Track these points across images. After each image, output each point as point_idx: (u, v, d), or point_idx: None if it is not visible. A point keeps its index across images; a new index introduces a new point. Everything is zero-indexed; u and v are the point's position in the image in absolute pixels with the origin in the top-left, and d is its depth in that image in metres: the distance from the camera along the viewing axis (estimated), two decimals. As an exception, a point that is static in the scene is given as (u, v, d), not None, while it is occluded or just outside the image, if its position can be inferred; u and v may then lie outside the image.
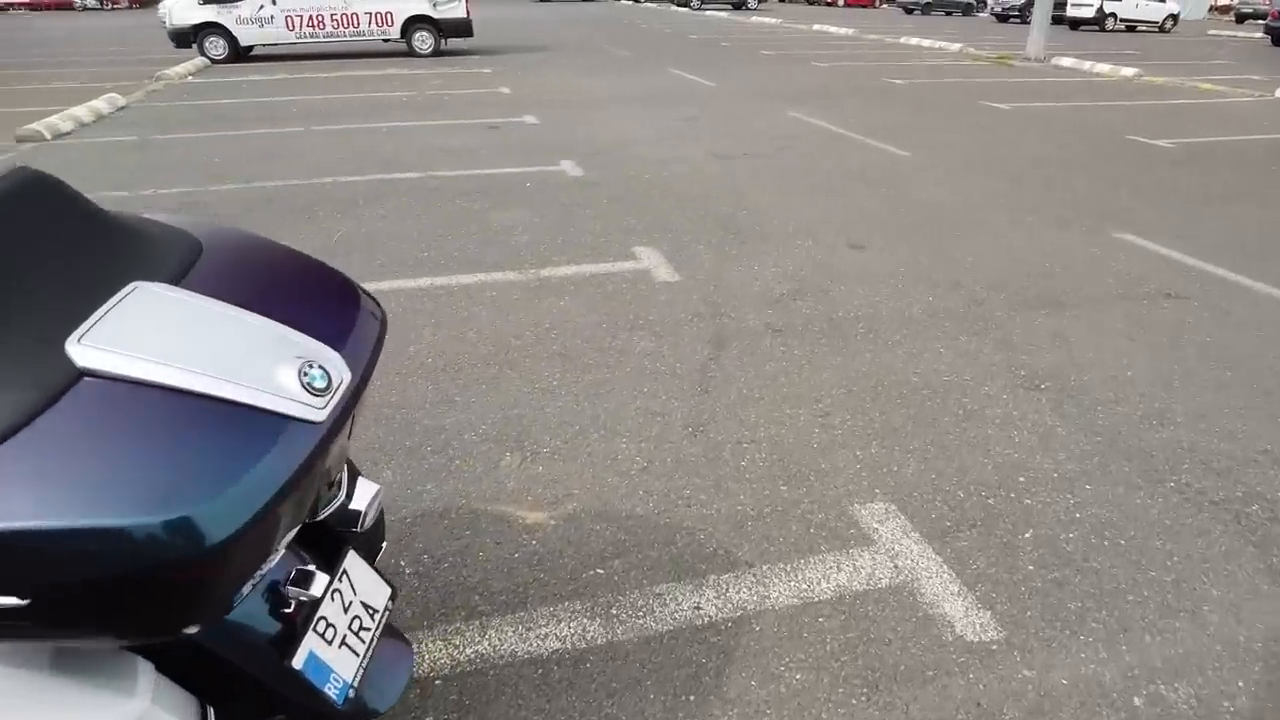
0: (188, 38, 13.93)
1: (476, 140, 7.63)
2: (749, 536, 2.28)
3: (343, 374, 1.08)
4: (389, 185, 6.01)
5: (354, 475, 1.59)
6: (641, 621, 1.98)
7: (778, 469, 2.59)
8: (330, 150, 7.20)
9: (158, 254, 1.14)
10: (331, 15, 14.19)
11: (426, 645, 1.91)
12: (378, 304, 1.28)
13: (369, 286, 3.45)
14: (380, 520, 1.70)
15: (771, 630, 1.96)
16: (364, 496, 1.57)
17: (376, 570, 1.51)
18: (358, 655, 1.38)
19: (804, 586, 2.10)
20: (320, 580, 1.32)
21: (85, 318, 0.99)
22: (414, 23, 14.55)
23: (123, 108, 9.55)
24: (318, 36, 14.37)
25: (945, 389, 3.10)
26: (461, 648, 1.91)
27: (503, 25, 22.80)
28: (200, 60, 13.77)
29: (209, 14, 13.76)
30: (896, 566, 2.17)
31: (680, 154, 7.09)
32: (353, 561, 1.45)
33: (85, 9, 38.43)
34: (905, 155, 7.14)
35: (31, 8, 38.16)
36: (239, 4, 13.77)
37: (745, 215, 5.27)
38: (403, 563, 2.18)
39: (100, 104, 9.14)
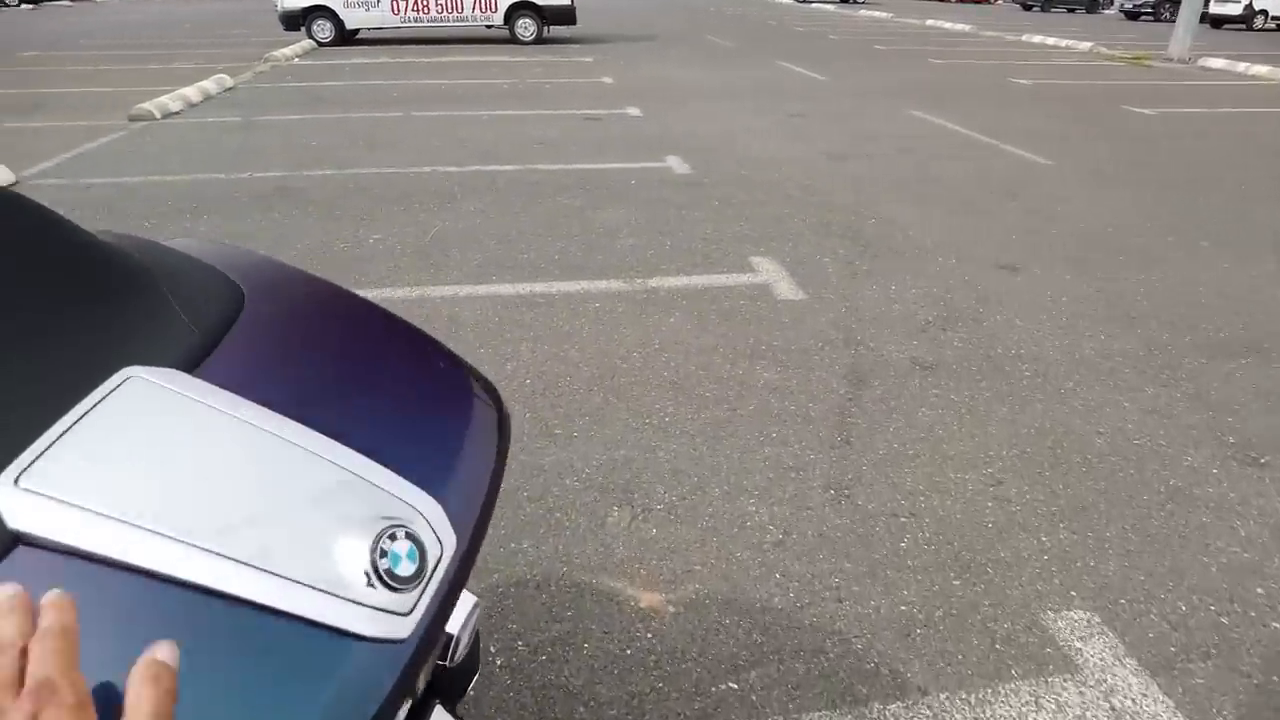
0: (297, 20, 14.11)
1: (577, 132, 7.28)
2: (919, 650, 1.81)
3: (446, 542, 0.68)
4: (487, 177, 5.71)
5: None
6: (789, 766, 1.55)
7: (946, 554, 2.11)
8: (429, 137, 6.97)
9: (171, 317, 0.75)
10: (438, 1, 14.12)
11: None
12: (495, 395, 0.88)
13: (466, 291, 2.98)
14: (476, 642, 1.31)
15: (961, 797, 1.50)
16: (457, 617, 1.19)
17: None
18: None
19: (997, 732, 1.62)
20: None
21: (37, 437, 0.60)
22: (517, 9, 14.35)
23: (230, 89, 9.62)
24: (421, 21, 14.33)
25: (1139, 457, 2.55)
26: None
27: (604, 13, 22.49)
28: (307, 43, 13.92)
29: (318, -2, 13.88)
30: (1114, 708, 1.68)
31: (793, 153, 6.57)
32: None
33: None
34: (1046, 164, 6.43)
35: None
36: (348, -12, 13.84)
37: (873, 225, 4.74)
38: (494, 649, 1.81)
39: (209, 85, 9.20)
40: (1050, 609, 1.93)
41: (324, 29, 14.14)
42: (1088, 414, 2.78)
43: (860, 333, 3.35)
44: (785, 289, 3.80)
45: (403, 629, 0.61)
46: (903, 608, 1.93)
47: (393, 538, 0.63)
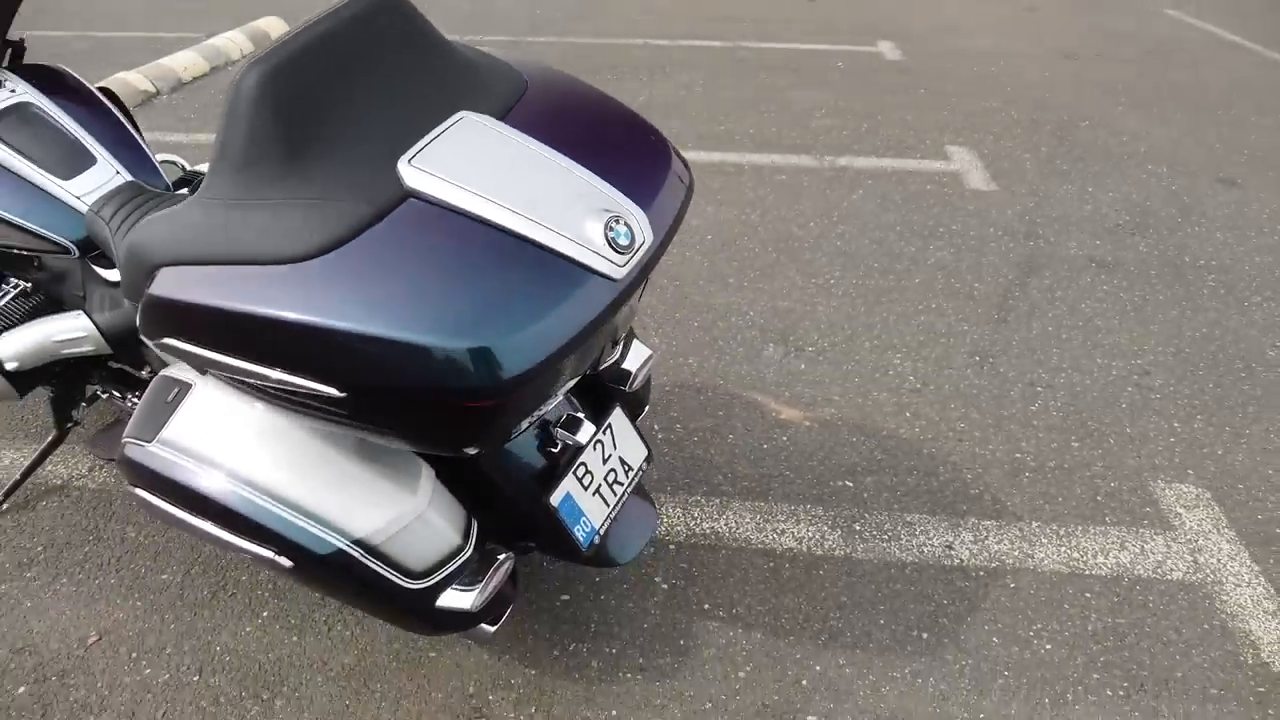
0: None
1: (791, 12, 7.22)
2: (1023, 488, 2.06)
3: (645, 235, 1.06)
4: (695, 52, 5.91)
5: (629, 338, 1.62)
6: (885, 545, 1.89)
7: (1073, 422, 2.28)
8: (643, 10, 7.21)
9: (486, 87, 1.16)
10: None
11: (666, 510, 1.97)
12: (687, 167, 1.23)
13: (691, 157, 3.39)
14: (647, 384, 1.73)
15: (1028, 591, 1.78)
16: (636, 359, 1.60)
17: (638, 431, 1.55)
18: (608, 505, 1.44)
19: (1076, 555, 1.87)
20: (587, 429, 1.37)
21: (416, 140, 1.04)
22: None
23: None
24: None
25: (1313, 372, 2.52)
26: (700, 520, 1.95)
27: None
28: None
29: None
30: (1197, 562, 1.86)
31: (1017, 47, 6.21)
32: (618, 418, 1.49)
33: None
34: (1321, 74, 5.67)
35: None
36: None
37: (1086, 127, 4.53)
38: (656, 427, 2.25)
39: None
40: (1162, 479, 2.09)
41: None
42: (1267, 328, 2.74)
43: (1044, 228, 3.38)
44: (977, 179, 3.83)
45: (619, 274, 1.00)
46: (1017, 455, 2.16)
47: (617, 221, 1.02)
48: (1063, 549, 1.88)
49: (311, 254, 0.97)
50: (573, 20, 6.88)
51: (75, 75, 1.91)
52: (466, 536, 1.32)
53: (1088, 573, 1.83)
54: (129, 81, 5.05)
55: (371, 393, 0.98)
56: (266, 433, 1.25)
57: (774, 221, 3.42)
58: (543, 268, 0.98)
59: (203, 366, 1.11)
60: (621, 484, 1.49)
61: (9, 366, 1.77)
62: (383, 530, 1.22)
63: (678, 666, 1.62)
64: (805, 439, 2.21)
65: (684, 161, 1.22)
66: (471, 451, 1.15)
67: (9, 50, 1.92)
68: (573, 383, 1.25)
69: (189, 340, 1.05)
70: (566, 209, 1.01)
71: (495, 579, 1.30)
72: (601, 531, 1.44)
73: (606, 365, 1.58)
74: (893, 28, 6.71)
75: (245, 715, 1.54)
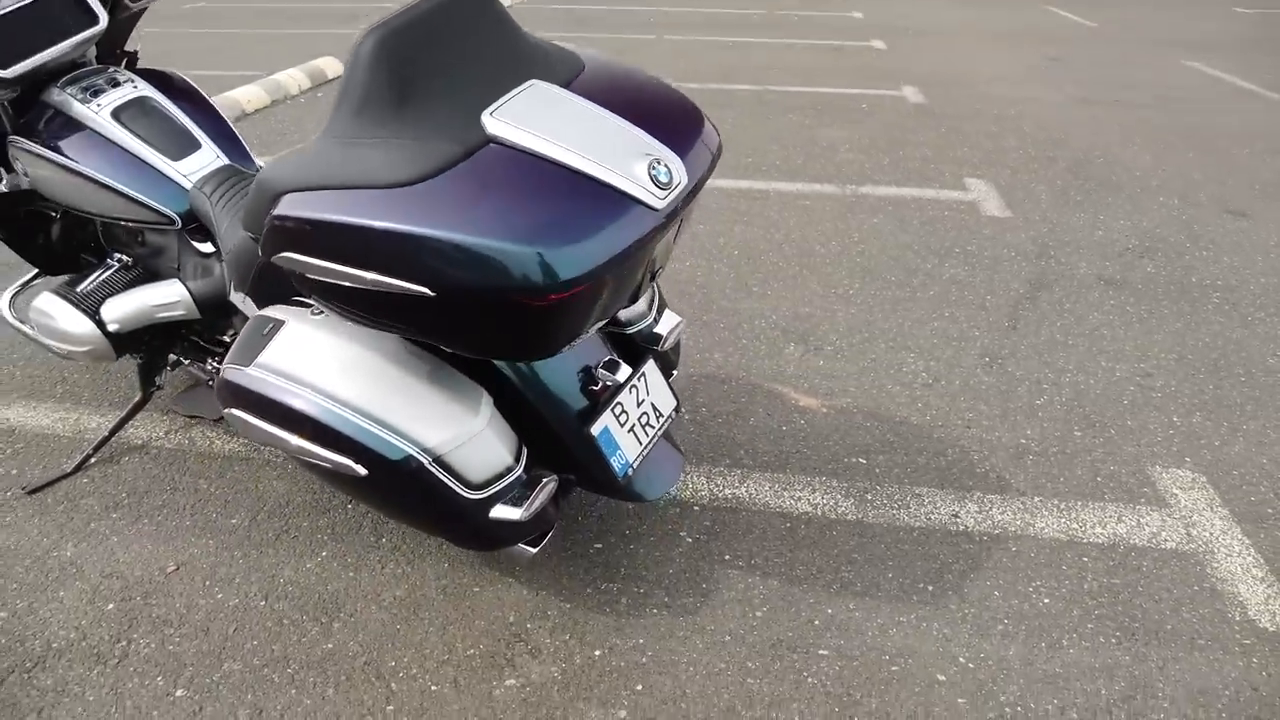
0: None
1: (818, 60, 7.55)
2: (1026, 469, 2.20)
3: (682, 176, 1.26)
4: (723, 95, 6.22)
5: (662, 306, 1.81)
6: (894, 512, 2.03)
7: (1075, 414, 2.42)
8: (675, 58, 7.58)
9: (552, 64, 1.38)
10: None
11: (691, 478, 2.14)
12: (717, 131, 1.44)
13: (719, 184, 3.73)
14: (677, 349, 1.92)
15: (1029, 554, 1.91)
16: (667, 324, 1.79)
17: (668, 383, 1.73)
18: (640, 443, 1.61)
19: (1075, 526, 2.00)
20: (624, 371, 1.56)
21: (497, 98, 1.26)
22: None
23: (509, 6, 10.76)
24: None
25: (1313, 379, 2.64)
26: (722, 487, 2.11)
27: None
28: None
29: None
30: (1190, 535, 1.98)
31: (1037, 94, 6.45)
32: (650, 369, 1.68)
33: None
34: (1335, 121, 5.82)
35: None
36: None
37: (1101, 163, 4.72)
38: (684, 410, 2.42)
39: (494, 3, 10.37)
40: (1159, 465, 2.22)
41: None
42: (1268, 339, 2.86)
43: (1056, 250, 3.54)
44: (993, 206, 4.02)
45: (660, 204, 1.21)
46: (1022, 441, 2.30)
47: (659, 163, 1.22)
48: (1062, 520, 2.01)
49: (413, 180, 1.18)
50: (609, 65, 7.25)
51: (182, 76, 2.18)
52: (518, 459, 1.51)
53: (1086, 540, 1.95)
54: (197, 112, 5.43)
55: (457, 291, 1.17)
56: (350, 359, 1.45)
57: (797, 240, 3.62)
58: (597, 197, 1.19)
59: (312, 277, 1.31)
60: (653, 427, 1.67)
61: (111, 328, 2.00)
62: (449, 442, 1.40)
63: (699, 605, 1.77)
64: (822, 423, 2.37)
65: (714, 126, 1.43)
66: (528, 359, 1.34)
67: (127, 58, 2.22)
68: (616, 309, 1.44)
69: (306, 252, 1.26)
70: (617, 152, 1.22)
71: (541, 496, 1.48)
72: (635, 465, 1.61)
73: (640, 328, 1.78)
74: (918, 75, 7.00)
75: (305, 635, 1.71)
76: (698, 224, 3.76)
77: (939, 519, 2.01)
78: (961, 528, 1.99)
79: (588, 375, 1.58)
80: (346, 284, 1.26)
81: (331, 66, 6.83)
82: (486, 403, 1.48)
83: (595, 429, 1.54)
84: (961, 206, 4.02)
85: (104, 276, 2.08)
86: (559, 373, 1.56)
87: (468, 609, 1.77)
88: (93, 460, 2.21)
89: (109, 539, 1.97)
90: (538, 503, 1.48)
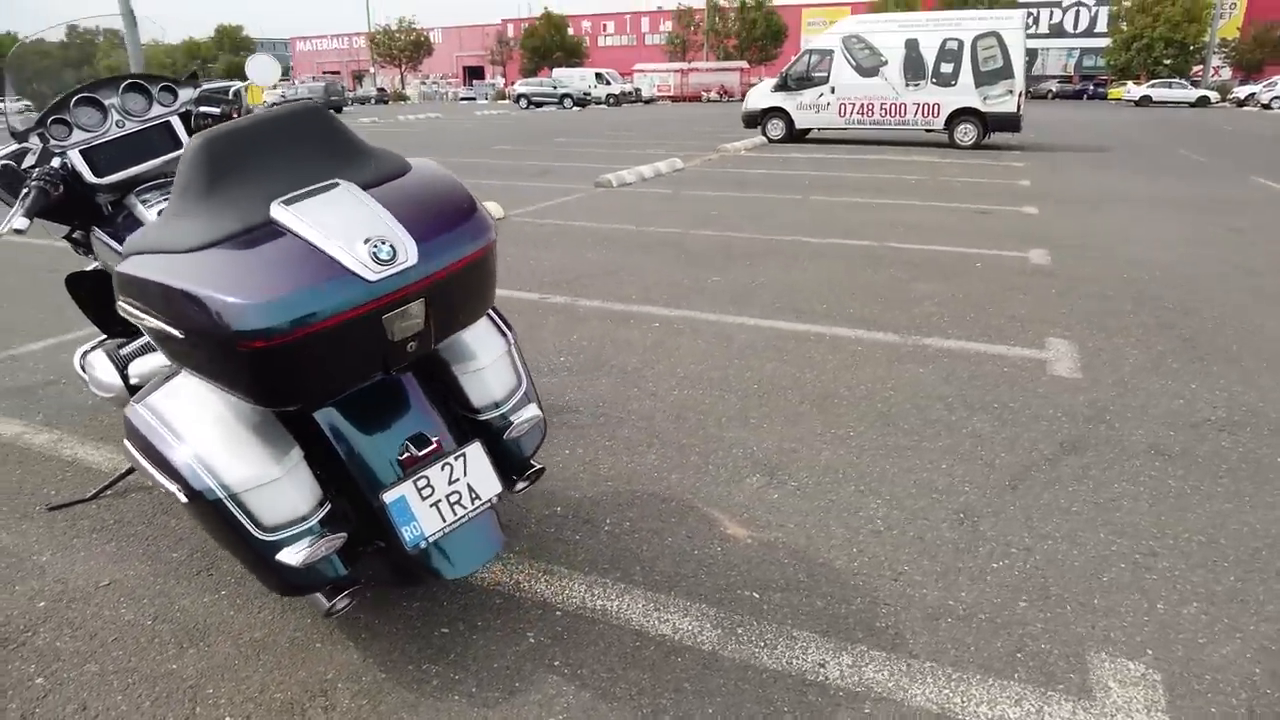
0: (756, 120, 16.33)
1: (954, 222, 7.46)
2: (937, 631, 1.96)
3: (409, 257, 1.41)
4: (838, 248, 6.30)
5: (527, 400, 1.91)
6: (756, 651, 1.89)
7: (1033, 584, 2.14)
8: (810, 216, 7.80)
9: (372, 169, 1.61)
10: (881, 105, 15.14)
11: (572, 584, 2.12)
12: (489, 231, 1.58)
13: (753, 321, 3.84)
14: (532, 443, 1.98)
15: (882, 720, 1.69)
16: (522, 415, 1.88)
17: (497, 469, 1.79)
18: (443, 520, 1.68)
19: (955, 701, 1.74)
20: (431, 448, 1.66)
21: (293, 191, 1.49)
22: (959, 115, 14.65)
23: (679, 170, 11.68)
24: (865, 123, 15.46)
25: (1384, 589, 2.14)
26: (596, 597, 2.07)
27: (1087, 127, 21.33)
28: (759, 139, 15.98)
29: (776, 100, 15.94)
30: (1112, 741, 1.65)
31: (1192, 263, 5.92)
32: (474, 452, 1.76)
33: (710, 100, 47.26)
34: None
35: (673, 100, 48.43)
36: (803, 93, 15.63)
37: (1228, 335, 4.21)
38: (608, 522, 2.42)
39: (661, 166, 11.33)
40: (1106, 653, 1.89)
41: (776, 128, 16.10)
42: (1345, 537, 2.37)
43: (1114, 416, 3.19)
44: (1063, 367, 3.71)
45: (372, 277, 1.36)
46: (950, 602, 2.06)
47: (382, 242, 1.38)
48: (944, 691, 1.77)
49: (196, 248, 1.44)
50: (742, 220, 7.63)
51: None
52: (313, 511, 1.63)
53: (959, 718, 1.70)
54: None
55: (193, 333, 1.38)
56: (202, 402, 1.68)
57: (824, 381, 3.54)
58: (316, 266, 1.37)
59: (133, 317, 1.57)
60: (464, 507, 1.73)
61: (133, 381, 2.41)
62: (246, 483, 1.57)
63: (500, 701, 1.73)
64: (737, 553, 2.27)
65: (488, 227, 1.58)
66: (287, 408, 1.50)
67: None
68: (367, 373, 1.59)
69: (129, 300, 1.54)
70: (351, 233, 1.41)
71: (321, 548, 1.59)
72: (430, 539, 1.67)
73: (491, 414, 1.88)
74: (1057, 238, 6.70)
75: (163, 654, 1.88)
76: (734, 360, 3.80)
77: (801, 666, 1.84)
78: (821, 679, 1.80)
79: (403, 446, 1.70)
80: (148, 326, 1.50)
81: (493, 210, 7.73)
82: (294, 455, 1.64)
83: (388, 496, 1.64)
84: (1026, 364, 3.75)
85: (142, 341, 2.52)
86: (374, 439, 1.70)
87: (300, 659, 1.86)
88: (108, 491, 2.60)
89: (78, 553, 2.29)
90: (317, 554, 1.58)
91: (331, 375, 1.50)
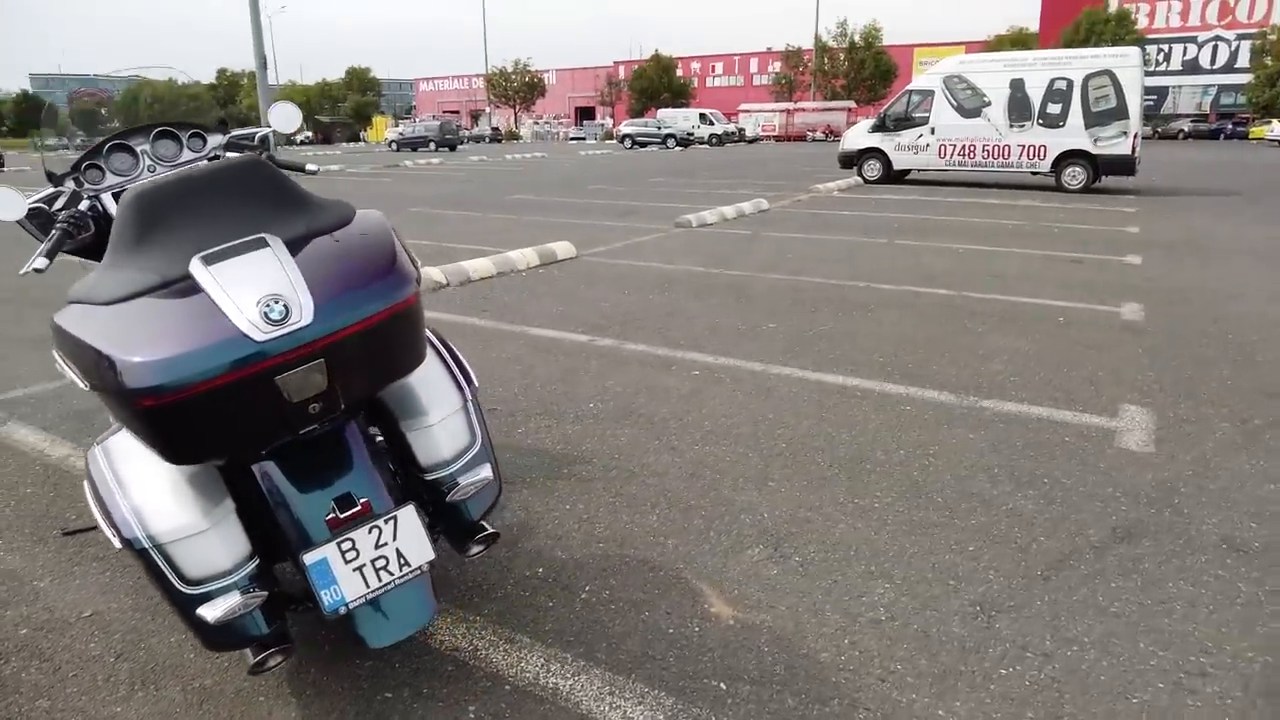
0: (852, 160, 16.02)
1: (1045, 271, 7.00)
2: (916, 744, 1.73)
3: (304, 317, 1.36)
4: (912, 296, 6.00)
5: (478, 461, 1.83)
6: (707, 750, 1.72)
7: (1043, 699, 1.87)
8: (890, 261, 7.50)
9: (306, 222, 1.58)
10: (984, 146, 14.56)
11: (530, 656, 2.01)
12: (405, 288, 1.51)
13: (801, 374, 3.69)
14: (481, 506, 1.89)
15: None
16: (470, 477, 1.80)
17: (431, 536, 1.71)
18: (367, 585, 1.61)
19: (924, 835, 1.52)
20: (355, 509, 1.60)
21: (218, 245, 1.47)
22: (1067, 157, 13.91)
23: (764, 210, 11.53)
24: (966, 165, 14.89)
25: None
26: (551, 674, 1.95)
27: (1213, 170, 19.90)
28: (854, 180, 15.65)
29: (874, 141, 15.60)
30: None
31: (1313, 323, 5.31)
32: (407, 516, 1.68)
33: (814, 140, 46.92)
34: None
35: (777, 139, 48.34)
36: (901, 134, 15.23)
37: (1341, 409, 3.71)
38: (586, 589, 2.30)
39: (746, 206, 11.21)
40: (1124, 794, 1.62)
41: (873, 169, 15.73)
42: None
43: (1185, 500, 2.83)
44: (1134, 439, 3.35)
45: (260, 336, 1.32)
46: (939, 712, 1.83)
47: (276, 301, 1.34)
48: (911, 821, 1.55)
49: (114, 300, 1.43)
50: (816, 264, 7.41)
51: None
52: (237, 566, 1.59)
53: None
54: (430, 274, 6.53)
55: (96, 388, 1.37)
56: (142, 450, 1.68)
57: (860, 443, 3.32)
58: (209, 321, 1.34)
59: (60, 367, 1.59)
60: (391, 574, 1.65)
61: None
62: (171, 534, 1.55)
63: (419, 786, 1.63)
64: (715, 636, 2.10)
65: (399, 282, 1.52)
66: (179, 462, 1.47)
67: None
68: (283, 436, 1.54)
69: (55, 348, 1.55)
70: (251, 290, 1.37)
71: (240, 604, 1.54)
72: (351, 606, 1.60)
73: (438, 474, 1.81)
74: (1158, 290, 6.18)
75: (113, 693, 1.89)
76: (767, 415, 3.62)
77: (753, 774, 1.66)
78: (772, 792, 1.61)
79: (323, 505, 1.64)
80: (69, 378, 1.51)
81: (564, 249, 7.81)
82: (224, 508, 1.61)
83: (309, 558, 1.58)
84: (1092, 434, 3.40)
85: None
86: (307, 496, 1.65)
87: (241, 712, 1.82)
88: (90, 531, 2.68)
89: (74, 580, 2.36)
90: (234, 611, 1.54)
91: (230, 435, 1.46)
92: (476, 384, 1.97)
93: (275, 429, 1.51)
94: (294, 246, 1.51)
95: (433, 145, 38.38)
